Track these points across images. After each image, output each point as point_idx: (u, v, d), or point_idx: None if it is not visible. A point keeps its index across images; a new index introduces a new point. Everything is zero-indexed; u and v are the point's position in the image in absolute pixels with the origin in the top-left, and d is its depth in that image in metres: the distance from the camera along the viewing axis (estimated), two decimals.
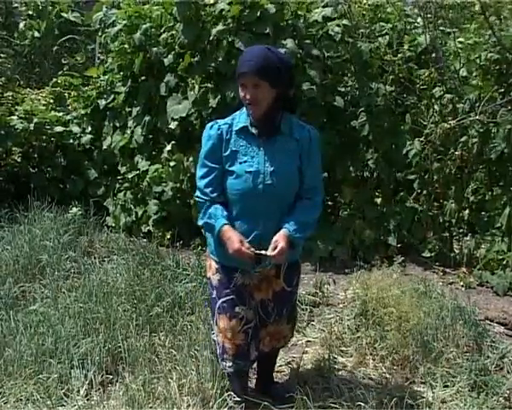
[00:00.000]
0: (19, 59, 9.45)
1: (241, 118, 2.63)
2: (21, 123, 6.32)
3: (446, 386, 3.03)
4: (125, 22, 5.82)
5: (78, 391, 2.95)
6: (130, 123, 5.97)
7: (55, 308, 3.66)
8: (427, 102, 5.16)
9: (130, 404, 2.74)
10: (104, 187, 6.28)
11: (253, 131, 2.60)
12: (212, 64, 5.26)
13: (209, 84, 5.27)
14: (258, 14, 5.08)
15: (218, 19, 5.24)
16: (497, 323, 3.89)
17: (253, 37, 4.98)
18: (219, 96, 5.13)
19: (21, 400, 2.86)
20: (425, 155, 5.03)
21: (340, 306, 4.08)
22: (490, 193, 5.00)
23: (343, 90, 5.53)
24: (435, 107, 5.09)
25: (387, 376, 3.14)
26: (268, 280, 2.73)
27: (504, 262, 4.56)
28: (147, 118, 5.76)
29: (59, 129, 6.46)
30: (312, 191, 2.67)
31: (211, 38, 5.21)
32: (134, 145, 5.88)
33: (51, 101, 7.02)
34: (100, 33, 6.62)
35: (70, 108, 6.94)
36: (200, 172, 2.65)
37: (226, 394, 2.67)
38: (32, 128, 6.31)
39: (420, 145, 5.03)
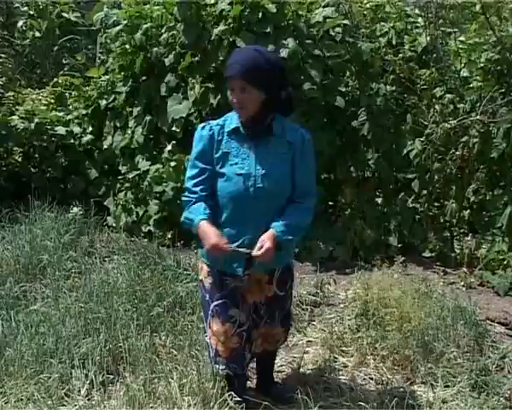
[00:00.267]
0: (20, 59, 9.44)
1: (233, 119, 2.59)
2: (22, 123, 6.32)
3: (447, 386, 3.03)
4: (125, 22, 5.83)
5: (79, 391, 2.95)
6: (130, 123, 5.97)
7: (55, 308, 3.66)
8: (428, 102, 5.16)
9: (130, 404, 2.74)
10: (105, 187, 6.27)
11: (245, 132, 2.56)
12: (213, 64, 5.26)
13: (210, 84, 5.28)
14: (259, 14, 5.08)
15: (218, 19, 5.25)
16: (497, 323, 3.88)
17: (253, 37, 4.99)
18: (220, 96, 5.13)
19: (22, 400, 2.85)
20: (426, 155, 5.03)
21: (341, 306, 4.08)
22: (490, 193, 5.01)
23: (344, 90, 5.53)
24: (436, 107, 5.09)
25: (388, 376, 3.14)
26: (260, 284, 2.70)
27: (505, 262, 4.56)
28: (147, 118, 5.76)
29: (60, 129, 6.45)
30: (305, 195, 2.62)
31: (212, 38, 5.22)
32: (135, 145, 5.88)
33: (52, 101, 7.02)
34: (101, 33, 6.63)
35: (71, 108, 6.94)
36: (189, 172, 2.62)
37: (227, 394, 2.66)
38: (32, 128, 6.31)
39: (421, 145, 5.03)
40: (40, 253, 4.59)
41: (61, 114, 6.70)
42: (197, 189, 2.57)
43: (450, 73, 5.39)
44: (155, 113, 5.74)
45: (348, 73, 5.67)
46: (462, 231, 5.24)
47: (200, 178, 2.58)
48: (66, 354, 3.15)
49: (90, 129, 6.52)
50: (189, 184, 2.61)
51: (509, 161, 4.81)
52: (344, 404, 2.91)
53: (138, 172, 5.76)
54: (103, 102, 6.28)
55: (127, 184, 5.91)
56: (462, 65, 5.34)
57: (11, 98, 6.85)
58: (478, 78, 5.12)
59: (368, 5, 6.10)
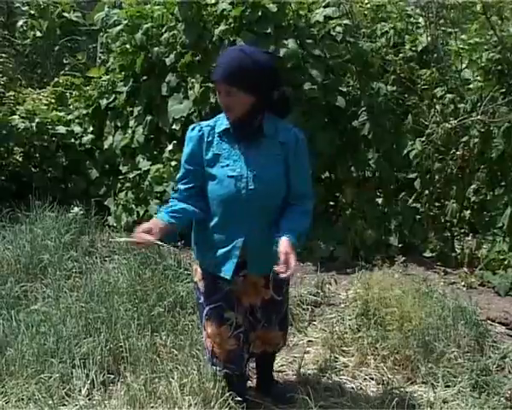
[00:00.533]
0: (20, 59, 9.45)
1: (224, 120, 2.55)
2: (23, 123, 6.32)
3: (448, 386, 3.03)
4: (126, 22, 5.83)
5: (80, 391, 2.96)
6: (131, 123, 5.97)
7: (56, 308, 3.66)
8: (429, 102, 5.15)
9: (131, 404, 2.74)
10: (105, 187, 6.27)
11: (234, 134, 2.52)
12: (214, 64, 5.26)
13: (210, 84, 5.28)
14: (260, 13, 5.08)
15: (219, 19, 5.25)
16: (498, 323, 3.88)
17: (254, 36, 4.99)
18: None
19: (23, 399, 2.85)
20: (426, 155, 5.03)
21: (342, 306, 4.08)
22: (491, 193, 5.00)
23: (344, 90, 5.53)
24: (437, 107, 5.08)
25: (389, 376, 3.14)
26: (256, 288, 2.69)
27: (506, 262, 4.55)
28: (148, 118, 5.76)
29: (60, 129, 6.46)
30: (302, 197, 2.57)
31: (212, 38, 5.22)
32: (135, 145, 5.89)
33: (53, 101, 7.02)
34: (101, 33, 6.63)
35: (71, 107, 6.95)
36: (179, 174, 2.61)
37: (227, 393, 2.67)
38: (33, 128, 6.32)
39: (421, 145, 5.03)
40: (41, 252, 4.59)
41: (61, 113, 6.70)
42: (181, 189, 2.56)
43: (451, 73, 5.38)
44: (156, 112, 5.74)
45: (349, 73, 5.66)
46: (462, 231, 5.24)
47: (186, 180, 2.56)
48: (66, 354, 3.15)
49: (91, 129, 6.53)
50: (178, 185, 2.60)
51: (509, 160, 4.81)
52: (344, 404, 2.91)
53: (139, 171, 5.77)
54: (104, 102, 6.28)
55: (128, 184, 5.91)
56: (463, 65, 5.34)
57: (12, 98, 6.86)
58: (478, 78, 5.12)
59: (368, 5, 6.10)
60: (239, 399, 2.68)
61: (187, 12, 5.32)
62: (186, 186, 2.56)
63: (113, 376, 3.12)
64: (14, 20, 9.54)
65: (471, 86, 5.22)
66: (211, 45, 5.33)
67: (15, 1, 9.60)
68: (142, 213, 5.65)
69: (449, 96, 5.06)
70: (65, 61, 8.98)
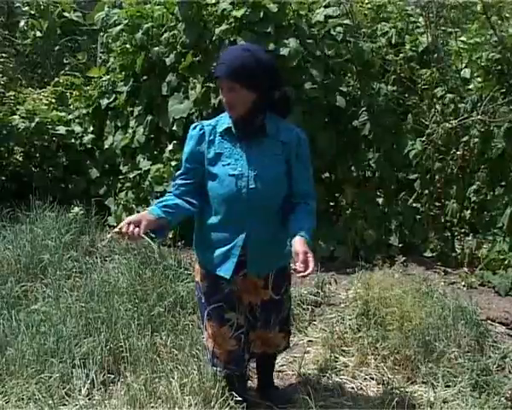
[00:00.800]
0: (21, 58, 9.46)
1: (225, 119, 2.55)
2: (23, 122, 6.33)
3: (448, 386, 3.03)
4: (126, 22, 5.84)
5: (80, 390, 2.95)
6: (131, 123, 5.98)
7: (56, 308, 3.66)
8: (429, 102, 5.15)
9: (131, 403, 2.74)
10: (106, 187, 6.28)
11: (236, 133, 2.52)
12: (214, 64, 5.26)
13: (211, 84, 5.28)
14: (261, 13, 5.08)
15: (220, 18, 5.25)
16: (498, 323, 3.88)
17: (254, 36, 4.99)
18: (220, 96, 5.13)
19: (23, 399, 2.85)
20: (427, 155, 5.03)
21: (342, 306, 4.08)
22: (491, 193, 5.00)
23: (345, 89, 5.52)
24: (437, 106, 5.09)
25: (389, 376, 3.14)
26: (256, 289, 2.69)
27: (506, 262, 4.55)
28: (148, 117, 5.77)
29: (61, 129, 6.47)
30: (305, 196, 2.57)
31: (213, 37, 5.22)
32: (136, 145, 5.89)
33: (53, 100, 7.03)
34: (102, 33, 6.63)
35: (72, 107, 6.95)
36: (179, 171, 2.62)
37: (228, 393, 2.67)
38: (33, 128, 6.33)
39: (421, 145, 5.03)
40: (41, 252, 4.59)
41: (62, 113, 6.72)
42: (179, 183, 2.56)
43: (451, 73, 5.38)
44: (156, 112, 5.75)
45: (349, 73, 5.66)
46: (462, 230, 5.24)
47: (185, 176, 2.56)
48: (67, 354, 3.15)
49: (91, 129, 6.54)
50: (176, 180, 2.61)
51: (509, 160, 4.81)
52: (345, 404, 2.91)
53: (139, 171, 5.77)
54: (104, 102, 6.28)
55: (128, 184, 5.91)
56: (463, 65, 5.34)
57: (12, 98, 6.87)
58: (479, 78, 5.12)
59: (369, 5, 6.10)
60: (239, 399, 2.68)
61: (187, 12, 5.32)
62: (184, 182, 2.56)
63: (113, 376, 3.12)
64: (15, 20, 9.55)
65: (471, 86, 5.23)
66: (211, 45, 5.33)
67: (16, 1, 9.61)
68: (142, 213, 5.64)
69: (449, 95, 5.07)
70: (65, 61, 9.00)
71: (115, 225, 5.75)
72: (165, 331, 3.49)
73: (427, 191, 5.19)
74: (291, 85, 4.62)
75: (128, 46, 5.90)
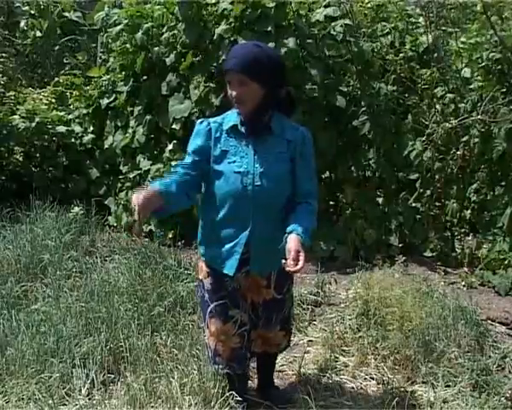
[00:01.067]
0: (21, 58, 9.45)
1: (231, 117, 2.57)
2: (23, 122, 6.33)
3: (448, 386, 3.03)
4: (126, 22, 5.83)
5: (80, 390, 2.95)
6: (131, 123, 5.97)
7: (56, 308, 3.66)
8: (429, 102, 5.16)
9: (131, 403, 2.74)
10: (106, 186, 6.28)
11: (243, 130, 2.53)
12: (215, 64, 5.27)
13: (211, 84, 5.28)
14: (260, 13, 5.08)
15: (220, 18, 5.25)
16: (498, 323, 3.88)
17: (254, 36, 4.99)
18: (222, 95, 5.13)
19: (23, 399, 2.85)
20: (427, 156, 5.03)
21: (342, 305, 4.08)
22: (491, 193, 5.00)
23: (345, 89, 5.53)
24: (437, 106, 5.09)
25: (389, 375, 3.14)
26: (258, 287, 2.70)
27: (506, 262, 4.56)
28: (148, 117, 5.76)
29: (61, 128, 6.47)
30: (308, 196, 2.58)
31: (213, 37, 5.22)
32: (136, 145, 5.89)
33: (53, 100, 7.03)
34: (102, 33, 6.63)
35: (72, 107, 6.95)
36: (184, 160, 2.60)
37: (228, 393, 2.67)
38: (33, 128, 6.32)
39: (421, 146, 5.03)
40: (41, 252, 4.59)
41: (62, 113, 6.71)
42: (181, 172, 2.54)
43: (452, 73, 5.38)
44: (156, 112, 5.75)
45: (349, 73, 5.66)
46: (463, 230, 5.24)
47: (188, 166, 2.55)
48: (67, 354, 3.15)
49: (91, 128, 6.54)
50: (177, 166, 2.60)
51: (510, 160, 4.81)
52: (345, 404, 2.91)
53: (139, 171, 5.77)
54: (104, 102, 6.28)
55: (128, 184, 5.91)
56: (464, 65, 5.34)
57: (12, 98, 6.86)
58: (479, 77, 5.12)
59: (369, 5, 6.10)
60: (239, 399, 2.68)
61: (187, 11, 5.32)
62: (187, 171, 2.54)
63: (113, 376, 3.12)
64: (15, 20, 9.54)
65: (471, 86, 5.22)
66: (211, 45, 5.34)
67: (16, 1, 9.60)
68: None
69: (449, 95, 5.07)
70: (65, 61, 8.97)
71: (115, 225, 5.78)
72: (165, 331, 3.49)
73: (427, 191, 5.19)
74: (291, 85, 4.61)
75: (128, 46, 5.90)
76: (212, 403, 2.66)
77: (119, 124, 6.16)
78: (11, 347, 3.22)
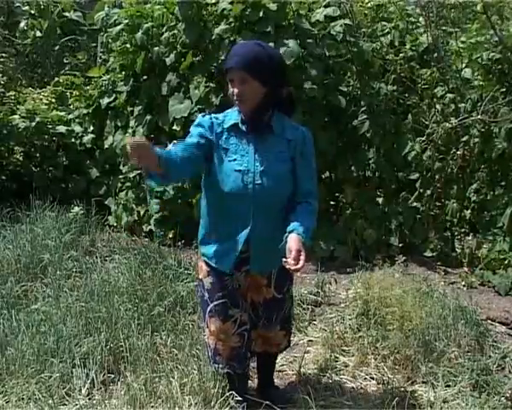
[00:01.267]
0: (21, 58, 9.46)
1: (232, 115, 2.57)
2: (23, 122, 6.33)
3: (448, 386, 3.03)
4: (126, 21, 5.83)
5: (80, 390, 2.95)
6: (131, 122, 5.97)
7: (56, 307, 3.66)
8: (429, 102, 5.15)
9: (131, 403, 2.74)
10: (106, 186, 6.28)
11: (244, 128, 2.53)
12: (215, 64, 5.27)
13: (211, 84, 5.28)
14: (260, 13, 5.08)
15: (219, 18, 5.25)
16: (498, 323, 3.88)
17: (254, 36, 4.99)
18: (221, 95, 5.13)
19: (23, 399, 2.85)
20: (428, 156, 5.03)
21: (342, 305, 4.08)
22: (492, 193, 5.00)
23: (345, 89, 5.53)
24: (437, 106, 5.09)
25: (389, 375, 3.14)
26: (258, 287, 2.70)
27: (506, 262, 4.56)
28: (148, 117, 5.76)
29: (61, 128, 6.47)
30: (308, 195, 2.59)
31: (213, 37, 5.22)
32: None
33: (53, 100, 7.03)
34: (102, 33, 6.63)
35: (72, 107, 6.95)
36: (186, 139, 2.53)
37: (228, 393, 2.66)
38: (33, 127, 6.33)
39: (420, 146, 5.04)
40: (41, 252, 4.59)
41: (62, 113, 6.72)
42: (181, 145, 2.47)
43: (452, 73, 5.38)
44: (156, 112, 5.74)
45: (349, 73, 5.66)
46: (463, 230, 5.24)
47: (193, 144, 2.48)
48: (67, 354, 3.15)
49: (91, 128, 6.53)
50: (177, 143, 2.52)
51: (510, 160, 4.81)
52: (345, 403, 2.91)
53: (139, 171, 5.76)
54: (104, 102, 6.27)
55: (128, 184, 5.92)
56: (464, 64, 5.34)
57: (12, 98, 6.87)
58: (479, 77, 5.12)
59: (369, 5, 6.10)
60: (239, 399, 2.68)
61: (187, 11, 5.32)
62: (191, 149, 2.46)
63: (113, 375, 3.12)
64: (15, 20, 9.54)
65: (471, 86, 5.22)
66: (211, 45, 5.34)
67: (16, 1, 9.60)
68: (142, 212, 5.65)
69: (449, 95, 5.07)
70: (65, 61, 8.98)
71: (115, 225, 5.78)
72: (165, 331, 3.49)
73: (427, 191, 5.19)
74: (291, 85, 4.62)
75: (128, 46, 5.89)
76: (212, 403, 2.66)
77: (119, 124, 6.16)
78: (11, 347, 3.22)
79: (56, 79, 7.53)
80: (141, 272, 4.19)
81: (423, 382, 3.10)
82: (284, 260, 2.33)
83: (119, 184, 6.04)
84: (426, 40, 5.43)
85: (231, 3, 5.12)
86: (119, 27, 5.91)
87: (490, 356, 3.28)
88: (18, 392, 2.88)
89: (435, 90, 5.20)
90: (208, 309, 2.66)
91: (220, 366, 2.67)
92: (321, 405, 2.81)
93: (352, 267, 4.74)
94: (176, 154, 2.42)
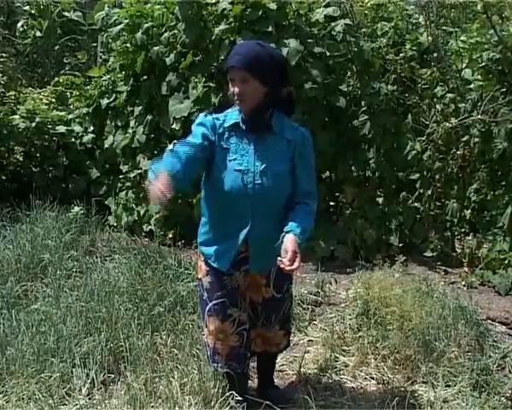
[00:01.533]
0: (21, 58, 9.46)
1: (233, 115, 2.58)
2: (23, 122, 6.33)
3: (448, 386, 3.03)
4: (126, 21, 5.83)
5: (80, 390, 2.95)
6: (132, 122, 5.97)
7: (56, 307, 3.66)
8: (429, 102, 5.15)
9: (131, 403, 2.74)
10: (106, 186, 6.28)
11: (244, 127, 2.54)
12: (215, 63, 5.26)
13: (211, 84, 5.28)
14: (260, 13, 5.08)
15: (219, 18, 5.25)
16: (498, 322, 3.88)
17: (255, 36, 4.99)
18: (221, 95, 5.13)
19: (23, 399, 2.85)
20: (428, 155, 5.03)
21: (342, 305, 4.08)
22: (492, 193, 5.00)
23: (345, 89, 5.53)
24: (437, 106, 5.09)
25: (389, 375, 3.14)
26: (257, 286, 2.70)
27: (506, 262, 4.55)
28: (149, 117, 5.76)
29: (61, 128, 6.47)
30: (308, 196, 2.59)
31: (213, 37, 5.22)
32: (136, 144, 5.88)
33: (53, 100, 7.03)
34: (102, 33, 6.63)
35: (72, 107, 6.95)
36: (188, 139, 2.50)
37: (228, 393, 2.66)
38: (33, 127, 6.33)
39: (420, 147, 5.04)
40: (41, 252, 4.59)
41: (62, 113, 6.71)
42: (186, 147, 2.44)
43: (452, 73, 5.38)
44: (156, 112, 5.75)
45: (349, 73, 5.66)
46: (463, 230, 5.24)
47: (197, 145, 2.46)
48: (67, 353, 3.15)
49: (92, 128, 6.53)
50: (178, 143, 2.50)
51: (510, 160, 4.81)
52: (345, 403, 2.91)
53: (139, 171, 5.77)
54: (104, 102, 6.28)
55: (128, 184, 5.92)
56: (464, 64, 5.34)
57: (12, 97, 6.86)
58: (479, 77, 5.12)
59: (369, 4, 6.10)
60: (239, 398, 2.68)
61: (187, 11, 5.32)
62: (195, 152, 2.44)
63: (113, 375, 3.12)
64: (15, 20, 9.54)
65: (471, 86, 5.22)
66: (211, 45, 5.34)
67: (16, 0, 9.60)
68: (142, 212, 5.65)
69: (449, 95, 5.07)
70: (65, 61, 8.99)
71: (115, 224, 5.77)
72: (165, 331, 3.49)
73: (427, 191, 5.19)
74: (291, 85, 4.62)
75: (128, 46, 5.89)
76: (212, 403, 2.66)
77: (120, 124, 6.16)
78: (11, 346, 3.22)
79: (56, 78, 7.54)
80: (141, 272, 4.19)
81: (423, 382, 3.11)
82: (279, 259, 2.33)
83: (119, 184, 6.04)
84: (426, 40, 5.43)
85: (231, 3, 5.12)
86: (119, 27, 5.92)
87: (490, 356, 3.28)
88: (18, 392, 2.88)
89: (435, 90, 5.20)
90: (207, 308, 2.66)
91: (219, 365, 2.67)
92: (321, 405, 2.81)
93: (352, 267, 4.75)
94: (181, 164, 2.34)
